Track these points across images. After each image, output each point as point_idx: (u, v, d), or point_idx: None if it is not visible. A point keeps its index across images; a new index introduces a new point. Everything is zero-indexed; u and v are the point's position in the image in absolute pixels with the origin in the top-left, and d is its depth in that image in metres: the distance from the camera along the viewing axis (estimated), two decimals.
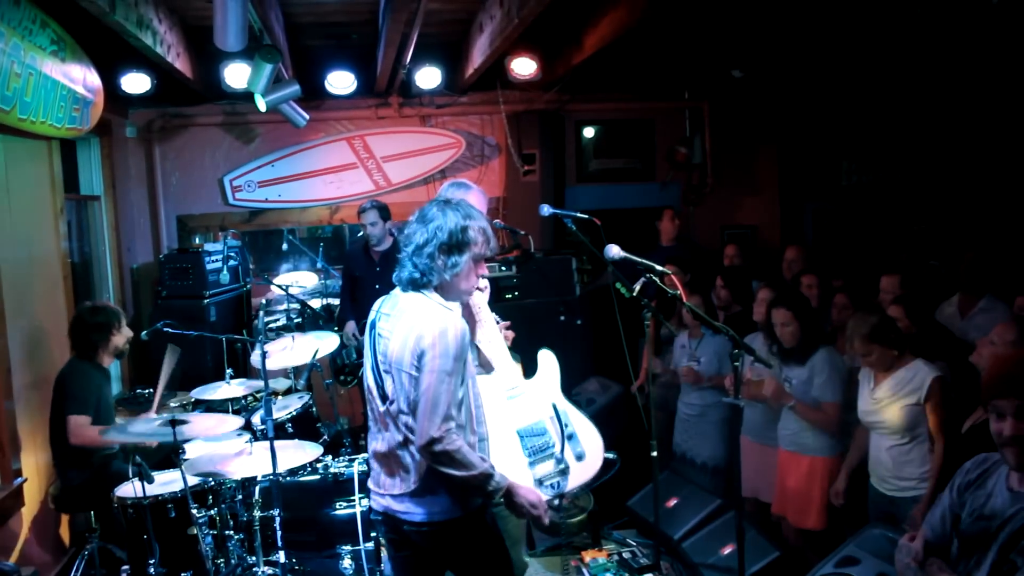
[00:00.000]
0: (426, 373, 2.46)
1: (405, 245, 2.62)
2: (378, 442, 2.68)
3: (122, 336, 4.30)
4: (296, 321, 6.67)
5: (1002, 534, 2.08)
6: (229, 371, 4.47)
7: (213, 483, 3.74)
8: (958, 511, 2.25)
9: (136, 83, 5.85)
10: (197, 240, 6.83)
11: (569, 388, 4.83)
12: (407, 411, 2.52)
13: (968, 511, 2.22)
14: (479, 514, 2.65)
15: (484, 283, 3.05)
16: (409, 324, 2.53)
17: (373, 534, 3.89)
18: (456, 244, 2.55)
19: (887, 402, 3.49)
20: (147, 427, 3.52)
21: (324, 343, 4.67)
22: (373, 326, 2.70)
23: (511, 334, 3.33)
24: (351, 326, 5.61)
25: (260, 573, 3.56)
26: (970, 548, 2.18)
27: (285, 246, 6.97)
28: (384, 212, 5.57)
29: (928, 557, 2.28)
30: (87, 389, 4.06)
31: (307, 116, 6.16)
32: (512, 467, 2.88)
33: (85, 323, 4.22)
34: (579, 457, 3.04)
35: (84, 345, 4.21)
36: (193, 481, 3.54)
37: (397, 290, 2.68)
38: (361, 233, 5.78)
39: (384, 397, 2.62)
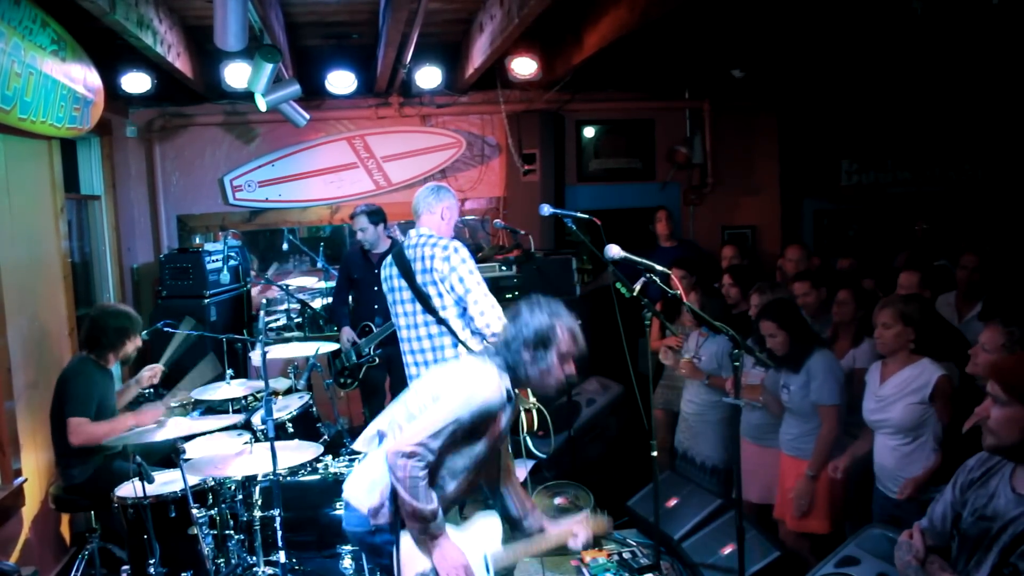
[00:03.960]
0: (438, 404, 2.58)
1: (504, 338, 2.74)
2: None
3: (133, 344, 4.30)
4: (296, 321, 6.67)
5: (1004, 536, 2.07)
6: (229, 371, 4.47)
7: (213, 483, 3.74)
8: (959, 509, 2.24)
9: (136, 83, 5.85)
10: (197, 240, 6.82)
11: (569, 388, 4.84)
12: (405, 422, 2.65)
13: (969, 510, 2.21)
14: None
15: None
16: (456, 371, 2.72)
17: None
18: (542, 342, 2.68)
19: (892, 400, 3.49)
20: (147, 433, 3.52)
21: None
22: None
23: None
24: (348, 333, 5.59)
25: (260, 573, 3.57)
26: (970, 548, 2.18)
27: (285, 246, 6.97)
28: (375, 216, 5.49)
29: (929, 555, 2.27)
30: (89, 391, 4.05)
31: (307, 116, 6.16)
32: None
33: (107, 325, 4.19)
34: None
35: (95, 344, 4.18)
36: (193, 481, 3.54)
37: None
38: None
39: None
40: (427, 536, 2.60)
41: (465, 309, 3.79)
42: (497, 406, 2.62)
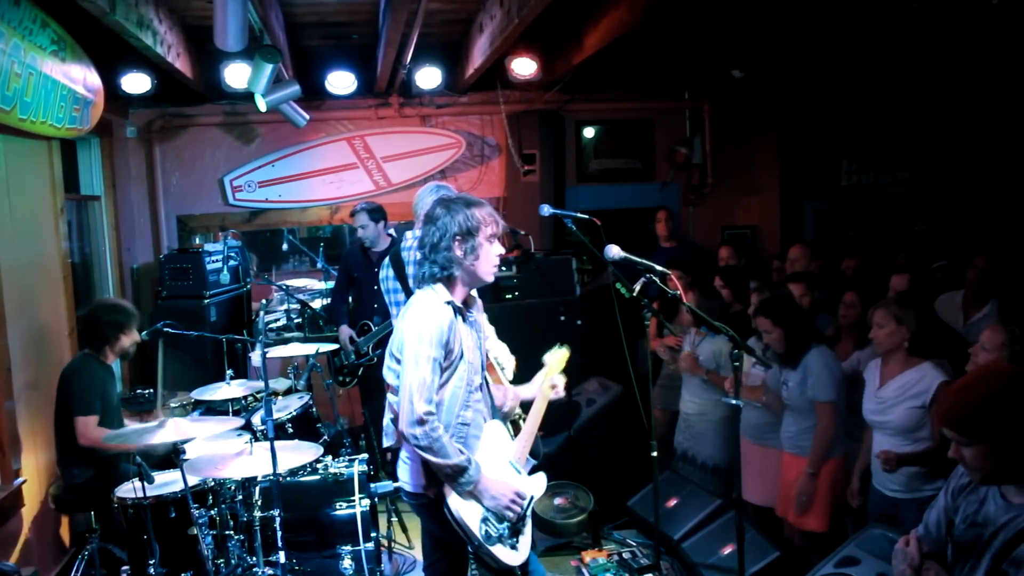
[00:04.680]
0: (405, 360, 2.66)
1: (420, 248, 2.78)
2: None
3: (131, 338, 4.30)
4: (296, 321, 6.67)
5: (995, 542, 2.07)
6: (229, 372, 4.47)
7: (213, 483, 3.74)
8: (952, 515, 2.24)
9: (136, 83, 5.85)
10: (197, 240, 6.83)
11: (569, 388, 4.83)
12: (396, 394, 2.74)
13: (961, 516, 2.21)
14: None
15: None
16: (402, 318, 2.76)
17: (373, 534, 3.89)
18: (468, 231, 2.72)
19: (892, 403, 3.49)
20: (148, 435, 3.51)
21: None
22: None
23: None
24: (346, 331, 5.59)
25: (260, 573, 3.56)
26: (964, 554, 2.17)
27: (285, 246, 6.97)
28: (376, 214, 5.50)
29: (925, 561, 2.27)
30: (92, 388, 4.06)
31: (307, 116, 6.16)
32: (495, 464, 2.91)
33: (100, 318, 4.21)
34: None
35: (92, 339, 4.19)
36: (193, 481, 3.53)
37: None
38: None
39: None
40: (471, 484, 2.71)
41: None
42: (446, 321, 2.68)
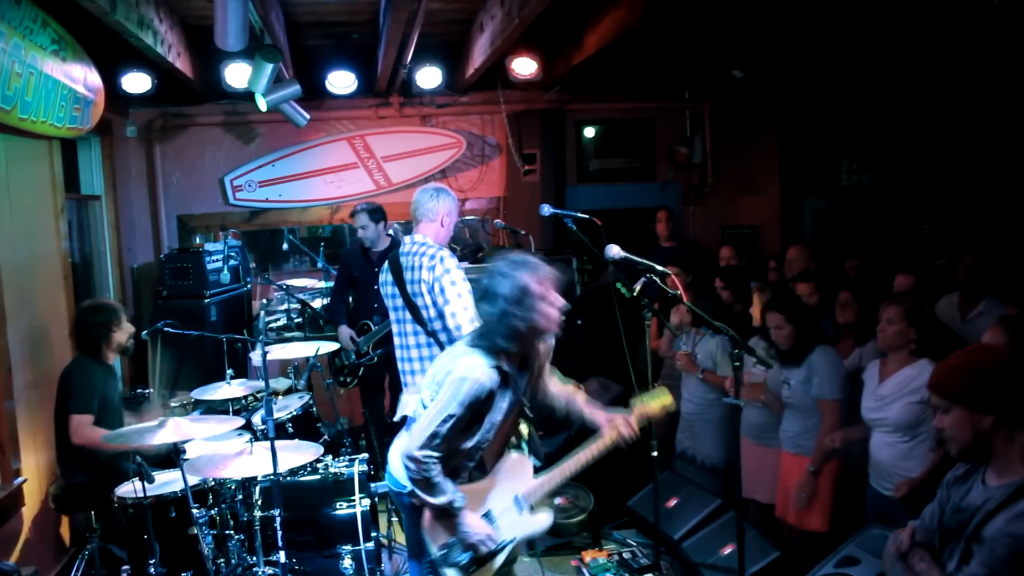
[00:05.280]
0: (436, 401, 2.69)
1: (483, 299, 2.76)
2: None
3: (124, 332, 4.31)
4: (296, 321, 6.67)
5: (971, 524, 2.14)
6: (229, 371, 4.47)
7: (213, 483, 3.74)
8: (944, 505, 2.29)
9: (137, 83, 5.85)
10: (197, 240, 6.83)
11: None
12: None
13: (950, 505, 2.27)
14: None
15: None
16: (444, 360, 2.82)
17: (373, 534, 3.90)
18: (521, 293, 2.67)
19: (891, 399, 3.49)
20: (148, 435, 3.51)
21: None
22: None
23: None
24: (346, 331, 5.58)
25: (260, 573, 3.56)
26: (948, 540, 2.23)
27: (285, 246, 6.97)
28: (376, 214, 5.50)
29: (917, 549, 2.30)
30: (90, 387, 4.07)
31: (308, 116, 6.16)
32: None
33: (86, 322, 4.26)
34: None
35: (87, 343, 4.24)
36: (193, 481, 3.53)
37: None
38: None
39: None
40: (449, 518, 2.77)
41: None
42: (487, 388, 2.68)
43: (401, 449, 2.73)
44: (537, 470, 3.07)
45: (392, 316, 3.97)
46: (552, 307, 2.72)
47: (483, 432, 2.79)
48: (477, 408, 2.69)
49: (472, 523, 2.80)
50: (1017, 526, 2.00)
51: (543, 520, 3.01)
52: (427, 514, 2.81)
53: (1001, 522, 2.04)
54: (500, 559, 2.90)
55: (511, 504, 2.95)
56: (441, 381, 2.73)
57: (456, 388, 2.65)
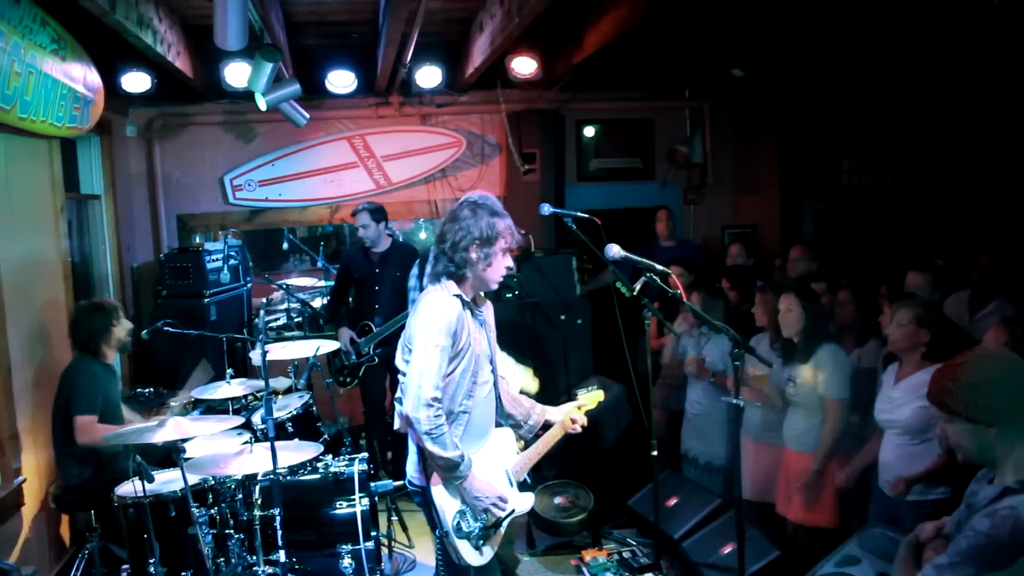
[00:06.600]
0: (415, 348, 2.78)
1: (439, 242, 2.92)
2: None
3: (122, 329, 4.32)
4: (296, 320, 6.66)
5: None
6: (229, 371, 4.47)
7: (213, 482, 3.73)
8: (969, 501, 2.36)
9: (136, 82, 5.84)
10: (197, 239, 6.82)
11: (569, 388, 4.83)
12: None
13: (964, 506, 2.35)
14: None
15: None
16: (414, 311, 2.89)
17: (373, 533, 3.90)
18: (488, 239, 2.85)
19: (903, 402, 3.49)
20: (150, 434, 3.51)
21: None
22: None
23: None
24: (346, 332, 5.58)
25: (260, 572, 3.56)
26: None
27: (285, 245, 6.97)
28: (377, 214, 5.52)
29: (936, 541, 2.35)
30: (92, 387, 4.07)
31: (307, 115, 6.15)
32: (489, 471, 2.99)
33: (83, 322, 4.25)
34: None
35: (86, 343, 4.23)
36: (193, 480, 3.53)
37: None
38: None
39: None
40: (459, 479, 2.83)
41: None
42: (454, 313, 2.80)
43: (404, 412, 2.77)
44: (535, 470, 3.13)
45: None
46: (502, 266, 2.91)
47: (468, 356, 2.86)
48: (454, 334, 2.79)
49: (481, 486, 2.87)
50: (980, 522, 2.10)
51: (528, 499, 3.16)
52: (437, 485, 2.84)
53: (976, 518, 2.13)
54: (502, 531, 2.98)
55: (503, 477, 3.04)
56: (413, 332, 2.83)
57: (429, 319, 2.77)
